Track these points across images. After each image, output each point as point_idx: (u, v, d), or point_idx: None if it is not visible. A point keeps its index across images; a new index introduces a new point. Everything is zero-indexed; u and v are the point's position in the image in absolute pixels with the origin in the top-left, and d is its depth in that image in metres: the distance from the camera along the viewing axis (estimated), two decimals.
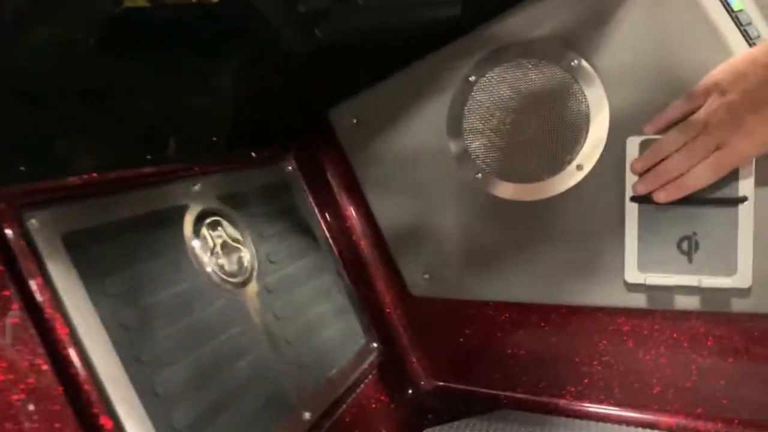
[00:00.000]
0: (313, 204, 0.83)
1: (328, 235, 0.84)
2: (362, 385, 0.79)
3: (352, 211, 0.86)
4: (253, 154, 0.78)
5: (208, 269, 0.63)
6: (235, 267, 0.66)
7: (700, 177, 0.64)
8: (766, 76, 0.57)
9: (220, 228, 0.66)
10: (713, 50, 0.64)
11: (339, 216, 0.86)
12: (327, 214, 0.85)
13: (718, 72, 0.62)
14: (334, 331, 0.77)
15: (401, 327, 0.86)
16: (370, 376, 0.81)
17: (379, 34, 0.80)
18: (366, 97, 0.83)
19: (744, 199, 0.66)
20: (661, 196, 0.67)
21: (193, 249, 0.62)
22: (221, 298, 0.62)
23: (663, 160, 0.66)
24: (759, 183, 0.65)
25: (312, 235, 0.81)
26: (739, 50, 0.65)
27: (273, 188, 0.77)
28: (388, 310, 0.86)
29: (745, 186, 0.66)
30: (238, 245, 0.68)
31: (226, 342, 0.60)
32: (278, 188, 0.79)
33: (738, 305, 0.67)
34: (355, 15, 0.75)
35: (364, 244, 0.85)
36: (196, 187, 0.65)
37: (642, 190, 0.68)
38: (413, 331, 0.86)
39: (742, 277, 0.66)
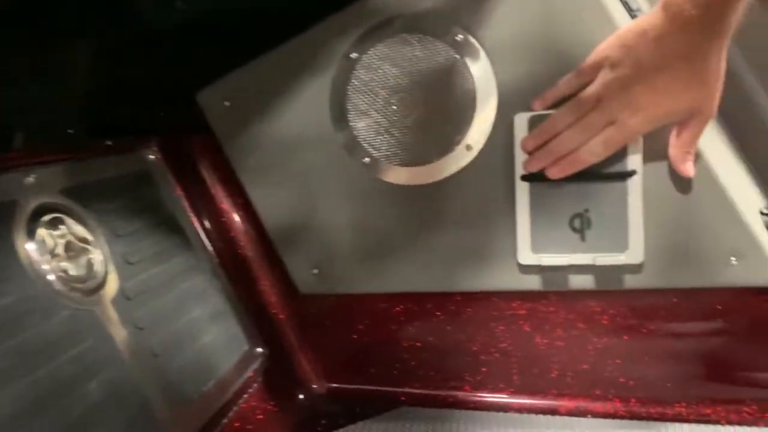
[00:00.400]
0: (183, 197, 0.74)
1: (201, 231, 0.75)
2: (246, 395, 0.71)
3: (228, 204, 0.78)
4: (108, 142, 0.68)
5: (49, 276, 0.53)
6: (83, 271, 0.56)
7: (593, 152, 0.62)
8: (657, 49, 0.55)
9: (62, 226, 0.56)
10: (597, 23, 0.62)
11: (214, 210, 0.77)
12: (200, 208, 0.77)
13: (607, 46, 0.60)
14: (211, 338, 0.69)
15: (289, 328, 0.79)
16: (256, 384, 0.74)
17: (249, 6, 0.73)
18: (238, 77, 0.75)
19: (633, 173, 0.65)
20: (554, 172, 0.65)
21: (26, 252, 0.52)
22: (65, 309, 0.52)
23: (554, 136, 0.64)
24: (647, 156, 0.64)
25: (181, 232, 0.72)
26: (623, 22, 0.64)
27: (131, 180, 0.68)
28: (274, 311, 0.79)
29: (634, 160, 0.65)
30: (87, 246, 0.58)
31: (71, 360, 0.50)
32: (138, 180, 0.69)
33: (631, 282, 0.67)
34: None
35: (244, 240, 0.78)
36: (30, 179, 0.55)
37: (534, 166, 0.66)
38: (303, 331, 0.80)
39: (634, 253, 0.65)
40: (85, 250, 0.58)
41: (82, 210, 0.59)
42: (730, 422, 0.68)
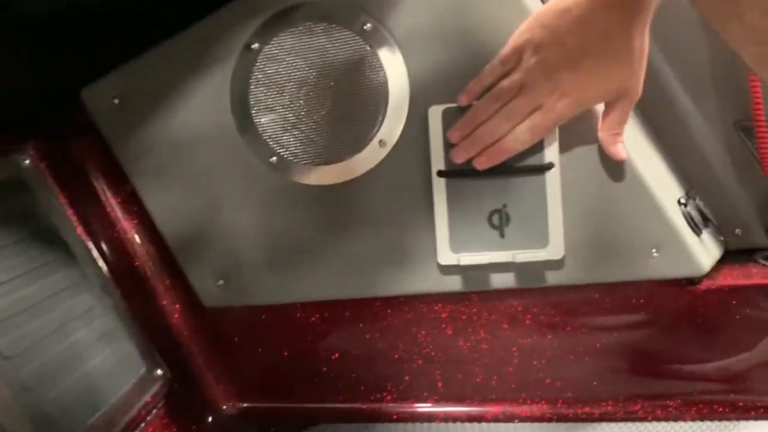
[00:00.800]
0: (67, 205, 0.66)
1: (89, 243, 0.68)
2: (144, 423, 0.64)
3: (121, 212, 0.71)
4: None
5: None
6: None
7: (520, 139, 0.60)
8: (581, 29, 0.54)
9: None
10: (510, 9, 0.60)
11: (104, 219, 0.70)
12: (87, 217, 0.69)
13: (527, 28, 0.57)
14: (99, 363, 0.62)
15: (195, 345, 0.73)
16: (156, 410, 0.67)
17: None
18: (128, 71, 0.68)
19: (550, 165, 0.63)
20: (481, 162, 0.62)
21: None
22: None
23: (480, 126, 0.61)
24: (564, 148, 0.62)
25: (64, 245, 0.64)
26: (534, 6, 0.62)
27: (1, 189, 0.60)
28: (176, 328, 0.72)
29: (551, 152, 0.63)
30: None
31: None
32: (10, 188, 0.61)
33: (552, 278, 0.65)
34: None
35: (140, 251, 0.71)
36: None
37: (460, 157, 0.63)
38: (210, 348, 0.74)
39: (554, 248, 0.63)
40: None
41: None
42: (656, 418, 0.67)
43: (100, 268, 0.67)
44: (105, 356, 0.63)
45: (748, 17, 0.41)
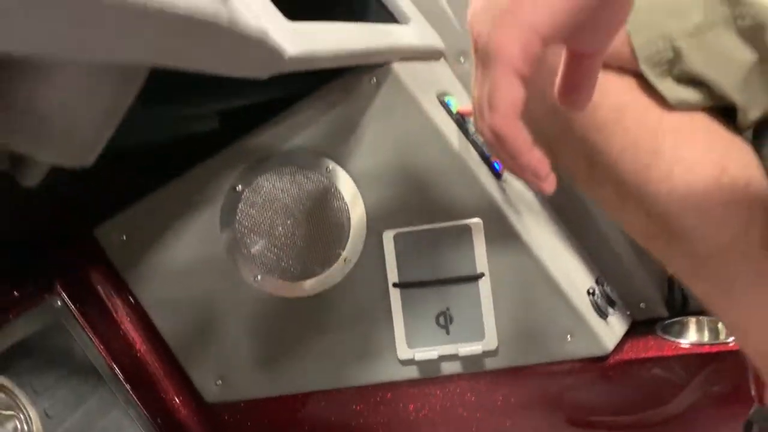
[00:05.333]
0: (92, 335, 0.79)
1: (113, 365, 0.80)
2: None
3: (132, 330, 0.84)
4: (16, 292, 0.73)
5: None
6: None
7: (499, 110, 0.46)
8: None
9: None
10: (438, 151, 0.76)
11: (120, 339, 0.83)
12: (109, 342, 0.82)
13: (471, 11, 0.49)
14: None
15: None
16: None
17: (136, 149, 0.80)
18: (133, 212, 0.82)
19: (481, 275, 0.78)
20: (509, 166, 0.52)
21: None
22: None
23: None
24: (492, 260, 0.77)
25: (95, 371, 0.77)
26: (458, 144, 0.77)
27: (43, 333, 0.72)
28: (186, 425, 0.85)
29: (481, 263, 0.78)
30: (12, 412, 0.62)
31: None
32: (49, 331, 0.74)
33: (490, 363, 0.80)
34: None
35: (150, 359, 0.84)
36: None
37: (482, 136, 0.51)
38: None
39: (489, 341, 0.78)
40: (9, 417, 0.62)
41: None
42: None
43: (123, 385, 0.80)
44: None
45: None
